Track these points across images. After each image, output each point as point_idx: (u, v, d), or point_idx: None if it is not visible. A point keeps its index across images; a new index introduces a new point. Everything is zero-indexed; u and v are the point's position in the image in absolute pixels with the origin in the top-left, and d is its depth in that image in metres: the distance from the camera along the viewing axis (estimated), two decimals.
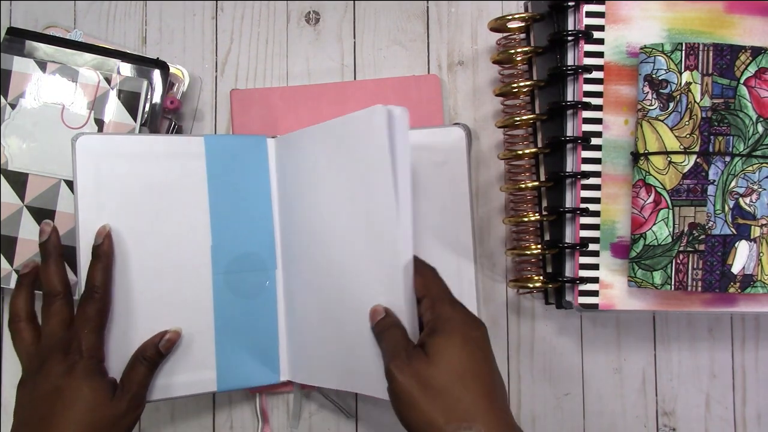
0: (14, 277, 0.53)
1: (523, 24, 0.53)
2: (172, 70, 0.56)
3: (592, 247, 0.51)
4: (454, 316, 0.42)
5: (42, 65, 0.53)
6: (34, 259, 0.52)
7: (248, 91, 0.57)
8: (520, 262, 0.56)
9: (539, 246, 0.52)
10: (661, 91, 0.49)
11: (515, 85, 0.52)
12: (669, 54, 0.49)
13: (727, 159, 0.49)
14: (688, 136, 0.49)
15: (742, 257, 0.50)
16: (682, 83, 0.49)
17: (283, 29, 0.59)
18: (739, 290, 0.50)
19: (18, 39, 0.53)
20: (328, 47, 0.58)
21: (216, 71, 0.58)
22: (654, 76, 0.49)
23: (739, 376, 0.58)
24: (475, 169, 0.57)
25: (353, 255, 0.47)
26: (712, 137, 0.49)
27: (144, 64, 0.55)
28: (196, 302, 0.51)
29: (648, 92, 0.49)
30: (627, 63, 0.51)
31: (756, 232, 0.50)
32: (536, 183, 0.52)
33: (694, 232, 0.49)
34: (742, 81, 0.49)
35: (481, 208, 0.58)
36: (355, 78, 0.58)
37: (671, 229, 0.49)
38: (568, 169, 0.52)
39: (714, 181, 0.49)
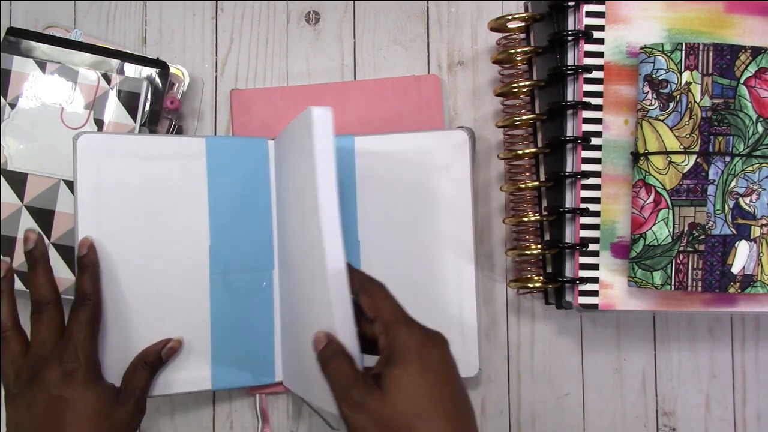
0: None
1: (523, 24, 0.53)
2: (172, 70, 0.56)
3: (592, 247, 0.51)
4: (409, 339, 0.39)
5: (42, 65, 0.53)
6: (4, 259, 0.50)
7: (248, 91, 0.57)
8: (520, 262, 0.56)
9: (539, 246, 0.52)
10: (661, 91, 0.49)
11: (515, 85, 0.52)
12: (669, 54, 0.49)
13: (727, 159, 0.49)
14: (688, 136, 0.49)
15: (742, 257, 0.50)
16: (682, 83, 0.49)
17: (283, 29, 0.59)
18: (739, 290, 0.50)
19: (18, 39, 0.53)
20: (328, 47, 0.58)
21: (216, 71, 0.58)
22: (654, 76, 0.49)
23: (739, 376, 0.58)
24: (475, 169, 0.57)
25: (302, 268, 0.46)
26: (712, 137, 0.49)
27: (144, 64, 0.55)
28: (194, 301, 0.51)
29: (648, 92, 0.49)
30: (627, 63, 0.51)
31: (756, 232, 0.50)
32: (536, 183, 0.52)
33: (694, 232, 0.49)
34: (742, 81, 0.49)
35: (481, 208, 0.58)
36: (355, 78, 0.58)
37: (671, 229, 0.49)
38: (568, 169, 0.52)
39: (714, 181, 0.49)
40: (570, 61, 0.51)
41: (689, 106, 0.49)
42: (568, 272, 0.52)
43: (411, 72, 0.58)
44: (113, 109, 0.54)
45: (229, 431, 0.56)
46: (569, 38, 0.51)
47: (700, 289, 0.49)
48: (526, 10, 0.54)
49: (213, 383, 0.51)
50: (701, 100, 0.49)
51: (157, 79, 0.55)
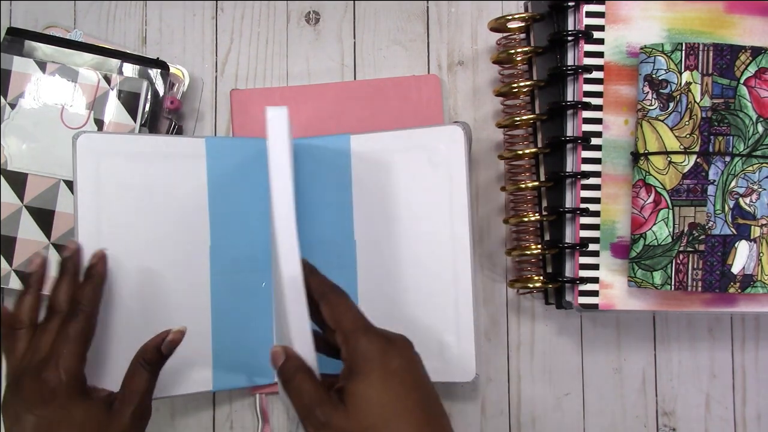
0: (13, 277, 0.53)
1: (523, 24, 0.53)
2: (172, 70, 0.56)
3: (592, 247, 0.51)
4: (369, 348, 0.38)
5: (42, 65, 0.53)
6: (40, 253, 0.49)
7: (248, 91, 0.57)
8: (520, 262, 0.56)
9: (539, 246, 0.52)
10: (661, 91, 0.49)
11: (515, 85, 0.52)
12: (669, 54, 0.49)
13: (727, 159, 0.49)
14: (688, 136, 0.49)
15: (742, 257, 0.50)
16: (682, 83, 0.49)
17: (283, 29, 0.59)
18: (739, 290, 0.50)
19: (18, 39, 0.53)
20: (328, 47, 0.58)
21: (216, 71, 0.58)
22: (654, 76, 0.49)
23: (739, 376, 0.58)
24: (475, 169, 0.57)
25: (274, 273, 0.45)
26: (712, 137, 0.49)
27: (144, 64, 0.55)
28: (194, 302, 0.51)
29: (648, 92, 0.49)
30: (627, 63, 0.51)
31: (756, 232, 0.50)
32: (536, 183, 0.52)
33: (694, 232, 0.49)
34: (742, 81, 0.49)
35: (481, 208, 0.58)
36: (355, 78, 0.58)
37: (671, 229, 0.49)
38: (568, 169, 0.52)
39: (714, 181, 0.49)
40: (570, 61, 0.51)
41: (689, 106, 0.49)
42: (568, 272, 0.52)
43: (411, 72, 0.58)
44: (113, 110, 0.54)
45: (230, 431, 0.56)
46: (569, 38, 0.51)
47: (700, 289, 0.50)
48: (526, 10, 0.54)
49: (214, 384, 0.51)
50: (701, 100, 0.49)
51: (157, 80, 0.55)
